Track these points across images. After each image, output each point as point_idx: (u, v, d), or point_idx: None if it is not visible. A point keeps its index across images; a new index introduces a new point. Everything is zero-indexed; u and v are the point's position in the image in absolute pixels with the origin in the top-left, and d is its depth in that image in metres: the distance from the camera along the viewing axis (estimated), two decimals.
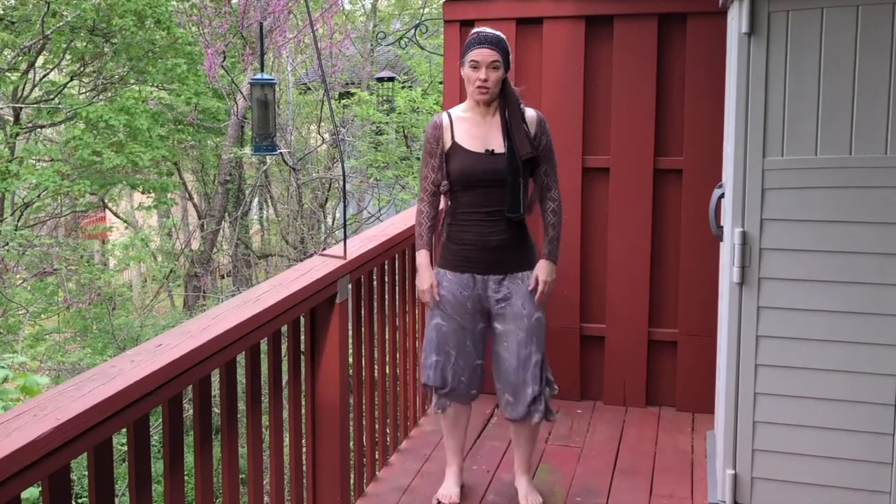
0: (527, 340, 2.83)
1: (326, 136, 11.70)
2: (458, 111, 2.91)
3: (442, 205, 2.97)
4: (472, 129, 2.84)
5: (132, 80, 10.33)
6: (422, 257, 2.93)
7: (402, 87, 10.87)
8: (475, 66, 2.78)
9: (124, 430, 1.82)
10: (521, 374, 2.84)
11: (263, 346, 2.49)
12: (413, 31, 6.34)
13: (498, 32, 2.84)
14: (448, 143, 2.85)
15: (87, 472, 1.74)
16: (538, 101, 3.78)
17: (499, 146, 2.81)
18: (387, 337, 3.38)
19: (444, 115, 2.90)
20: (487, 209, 2.83)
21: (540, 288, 2.86)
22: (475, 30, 2.87)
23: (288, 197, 11.07)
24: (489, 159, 2.80)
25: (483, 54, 2.76)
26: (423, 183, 2.93)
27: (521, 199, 2.81)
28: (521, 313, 2.84)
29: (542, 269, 2.87)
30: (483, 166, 2.80)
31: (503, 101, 2.83)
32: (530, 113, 2.87)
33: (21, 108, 9.81)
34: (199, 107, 10.09)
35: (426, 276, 2.91)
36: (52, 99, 10.18)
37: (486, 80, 2.77)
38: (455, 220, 2.89)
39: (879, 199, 2.57)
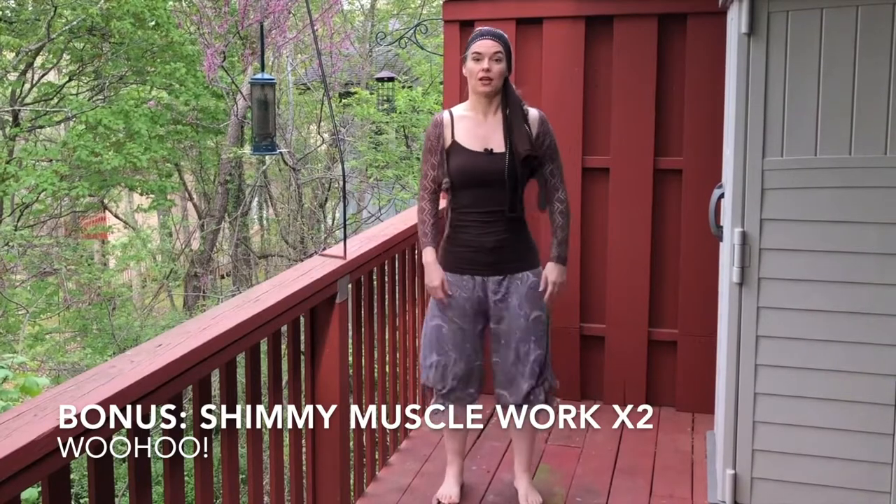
0: (524, 338, 2.83)
1: (326, 135, 11.70)
2: (459, 110, 2.89)
3: (442, 204, 2.96)
4: (472, 129, 2.83)
5: (132, 81, 10.32)
6: (428, 255, 2.90)
7: (402, 88, 10.87)
8: (478, 57, 2.77)
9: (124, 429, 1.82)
10: (518, 368, 2.83)
11: (263, 346, 2.49)
12: (412, 30, 6.34)
13: (500, 30, 2.84)
14: (448, 141, 2.84)
15: (87, 473, 1.74)
16: (538, 101, 3.77)
17: (498, 146, 2.79)
18: (387, 337, 3.38)
19: (446, 113, 2.89)
20: (485, 209, 2.81)
21: (549, 290, 2.86)
22: (477, 28, 2.87)
23: (288, 197, 11.07)
24: (488, 159, 2.79)
25: (486, 45, 2.76)
26: (424, 181, 2.91)
27: (520, 198, 2.80)
28: (518, 313, 2.83)
29: (551, 271, 2.87)
30: (481, 166, 2.79)
31: (505, 101, 2.82)
32: (533, 113, 2.86)
33: (20, 111, 9.79)
34: (198, 106, 10.08)
35: (435, 273, 2.88)
36: (51, 100, 10.17)
37: (488, 70, 2.76)
38: (454, 220, 2.88)
39: (879, 199, 2.57)
